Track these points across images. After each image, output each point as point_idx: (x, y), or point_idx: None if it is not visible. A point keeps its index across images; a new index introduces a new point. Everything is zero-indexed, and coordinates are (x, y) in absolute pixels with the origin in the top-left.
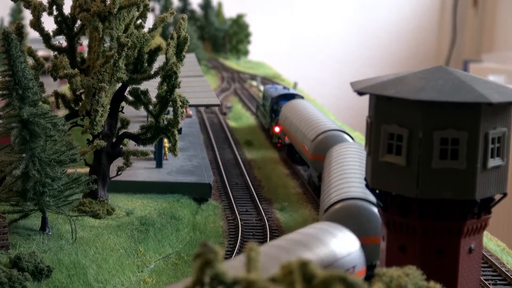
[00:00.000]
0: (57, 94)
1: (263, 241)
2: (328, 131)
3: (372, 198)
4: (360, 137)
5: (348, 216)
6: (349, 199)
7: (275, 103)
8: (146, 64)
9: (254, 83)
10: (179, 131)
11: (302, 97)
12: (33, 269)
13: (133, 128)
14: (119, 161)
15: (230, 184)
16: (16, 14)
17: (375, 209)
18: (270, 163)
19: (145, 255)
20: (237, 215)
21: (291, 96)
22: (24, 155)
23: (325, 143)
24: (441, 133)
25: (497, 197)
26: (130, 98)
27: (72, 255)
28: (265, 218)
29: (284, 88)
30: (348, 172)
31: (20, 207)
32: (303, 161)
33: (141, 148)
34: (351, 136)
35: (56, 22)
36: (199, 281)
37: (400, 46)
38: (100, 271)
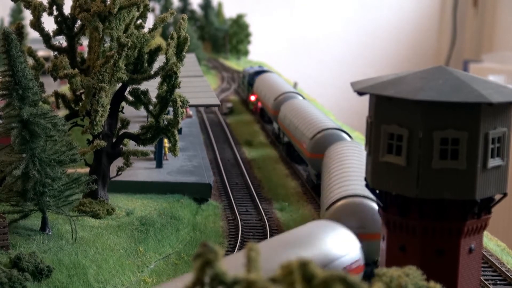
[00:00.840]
0: (57, 94)
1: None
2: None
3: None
4: (360, 137)
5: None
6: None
7: (250, 78)
8: (146, 64)
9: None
10: (179, 131)
11: (269, 71)
12: (33, 269)
13: (133, 128)
14: (119, 161)
15: (230, 184)
16: (16, 14)
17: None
18: (270, 163)
19: (145, 255)
20: (237, 215)
21: (262, 72)
22: (24, 155)
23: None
24: (441, 133)
25: (497, 197)
26: (130, 98)
27: (72, 255)
28: (265, 218)
29: (258, 67)
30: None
31: (20, 207)
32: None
33: (141, 148)
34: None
35: (56, 22)
36: (199, 281)
37: (400, 46)
38: (100, 271)
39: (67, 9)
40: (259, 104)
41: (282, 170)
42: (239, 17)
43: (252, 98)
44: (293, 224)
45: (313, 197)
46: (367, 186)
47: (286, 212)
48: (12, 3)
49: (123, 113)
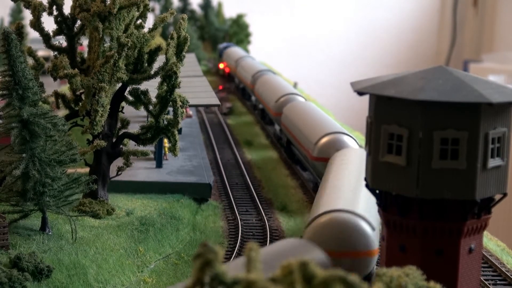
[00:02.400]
0: (57, 94)
1: (263, 241)
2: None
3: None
4: (360, 137)
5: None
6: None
7: (220, 51)
8: (146, 64)
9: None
10: (179, 131)
11: (234, 45)
12: (33, 269)
13: (133, 128)
14: (119, 161)
15: (230, 184)
16: (16, 14)
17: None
18: (270, 163)
19: (145, 255)
20: (237, 215)
21: (229, 46)
22: (24, 155)
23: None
24: (441, 133)
25: (497, 197)
26: (130, 98)
27: (72, 255)
28: (265, 218)
29: (226, 44)
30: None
31: (20, 207)
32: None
33: (141, 148)
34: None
35: (56, 22)
36: (199, 281)
37: (400, 46)
38: (100, 271)
39: (67, 9)
40: (228, 71)
41: (282, 170)
42: (239, 17)
43: (221, 66)
44: (293, 224)
45: (313, 197)
46: (367, 186)
47: (286, 212)
48: (12, 3)
49: (123, 113)
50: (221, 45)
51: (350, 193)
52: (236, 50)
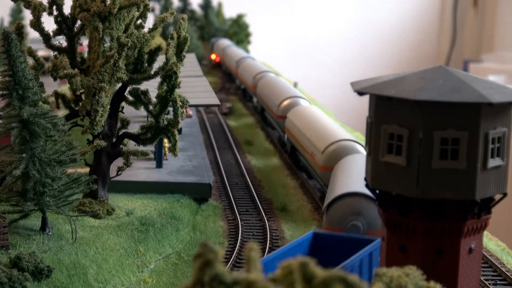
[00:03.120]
0: (57, 94)
1: (263, 241)
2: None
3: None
4: (360, 137)
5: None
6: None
7: (212, 44)
8: (146, 64)
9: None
10: (179, 131)
11: (222, 38)
12: (33, 269)
13: (133, 128)
14: (119, 161)
15: (230, 184)
16: (16, 14)
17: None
18: (270, 163)
19: (145, 255)
20: (237, 215)
21: (219, 39)
22: (24, 155)
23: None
24: (441, 133)
25: (497, 197)
26: (130, 98)
27: (72, 255)
28: (265, 218)
29: (216, 38)
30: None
31: (20, 207)
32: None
33: (141, 148)
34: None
35: (56, 22)
36: (199, 281)
37: (400, 46)
38: (100, 271)
39: (67, 9)
40: (218, 60)
41: (282, 170)
42: (239, 17)
43: (213, 56)
44: (293, 224)
45: (313, 197)
46: (367, 186)
47: (286, 212)
48: (12, 3)
49: (123, 113)
50: (213, 39)
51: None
52: (223, 42)
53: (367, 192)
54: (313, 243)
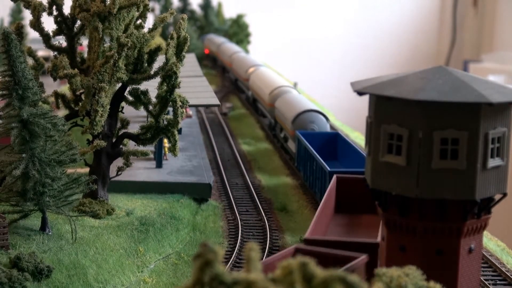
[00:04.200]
0: (57, 94)
1: (263, 241)
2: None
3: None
4: (360, 137)
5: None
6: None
7: (203, 39)
8: (146, 64)
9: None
10: (179, 131)
11: (212, 34)
12: (33, 269)
13: (133, 128)
14: (119, 161)
15: (230, 184)
16: (16, 14)
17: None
18: (270, 163)
19: (145, 255)
20: (237, 215)
21: (208, 35)
22: (24, 155)
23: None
24: (441, 133)
25: (497, 197)
26: (130, 98)
27: (72, 255)
28: (265, 218)
29: (210, 34)
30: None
31: (20, 207)
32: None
33: (141, 148)
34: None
35: (56, 22)
36: (199, 281)
37: (400, 46)
38: (100, 271)
39: (67, 9)
40: (208, 52)
41: (282, 170)
42: (239, 17)
43: (207, 51)
44: (293, 225)
45: (312, 197)
46: (367, 186)
47: (286, 212)
48: (12, 3)
49: (123, 113)
50: (202, 36)
51: None
52: (213, 37)
53: (317, 108)
54: None
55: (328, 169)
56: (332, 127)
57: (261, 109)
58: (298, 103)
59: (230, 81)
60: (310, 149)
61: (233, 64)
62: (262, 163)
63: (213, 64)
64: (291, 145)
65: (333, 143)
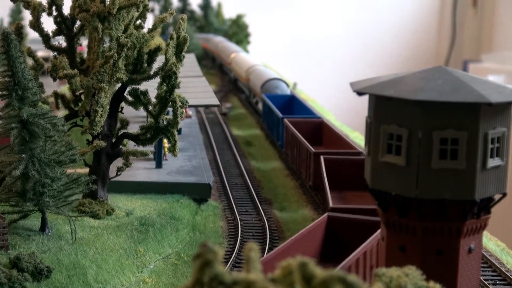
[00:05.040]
0: (56, 95)
1: (263, 241)
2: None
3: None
4: (360, 137)
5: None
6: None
7: (198, 38)
8: (146, 65)
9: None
10: (179, 131)
11: (215, 32)
12: (32, 270)
13: (133, 129)
14: (118, 162)
15: (229, 185)
16: (15, 15)
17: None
18: (270, 163)
19: (144, 255)
20: (237, 215)
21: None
22: (23, 155)
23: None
24: (441, 133)
25: (497, 197)
26: (130, 98)
27: (72, 255)
28: (264, 218)
29: (205, 33)
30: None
31: (19, 208)
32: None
33: (140, 148)
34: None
35: (55, 22)
36: (199, 281)
37: (400, 46)
38: (100, 271)
39: (66, 9)
40: (206, 46)
41: (281, 171)
42: (239, 17)
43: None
44: (292, 225)
45: (312, 197)
46: (366, 186)
47: (286, 212)
48: (12, 3)
49: (123, 113)
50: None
51: None
52: (204, 36)
53: (279, 77)
54: None
55: (281, 115)
56: (291, 92)
57: (240, 85)
58: (265, 74)
59: (217, 66)
60: (272, 106)
61: (219, 52)
62: (263, 163)
63: (203, 54)
64: (260, 106)
65: (290, 102)
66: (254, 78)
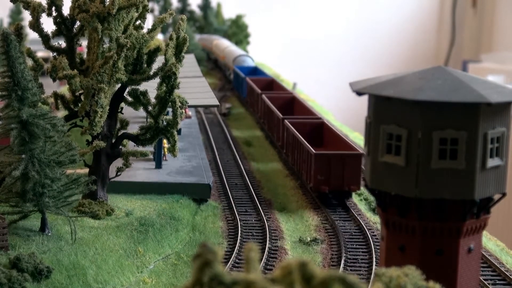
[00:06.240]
0: (56, 95)
1: (262, 241)
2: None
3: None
4: (360, 137)
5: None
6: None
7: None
8: (145, 65)
9: None
10: (179, 131)
11: (214, 32)
12: (32, 270)
13: (133, 129)
14: (118, 162)
15: (229, 185)
16: (15, 15)
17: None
18: (270, 163)
19: (144, 255)
20: (237, 215)
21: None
22: (23, 156)
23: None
24: (440, 133)
25: (496, 197)
26: (129, 98)
27: (72, 255)
28: (264, 218)
29: (202, 34)
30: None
31: (19, 208)
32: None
33: (140, 148)
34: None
35: (55, 23)
36: (199, 281)
37: (400, 46)
38: (100, 271)
39: (66, 10)
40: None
41: (281, 171)
42: (238, 18)
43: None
44: (292, 224)
45: (312, 197)
46: (366, 186)
47: (286, 212)
48: (11, 4)
49: (122, 113)
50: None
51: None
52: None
53: (247, 53)
54: None
55: (243, 75)
56: (256, 65)
57: (219, 64)
58: (236, 52)
59: (204, 49)
60: (239, 72)
61: (204, 41)
62: (262, 163)
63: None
64: (231, 77)
65: (254, 71)
66: (228, 55)
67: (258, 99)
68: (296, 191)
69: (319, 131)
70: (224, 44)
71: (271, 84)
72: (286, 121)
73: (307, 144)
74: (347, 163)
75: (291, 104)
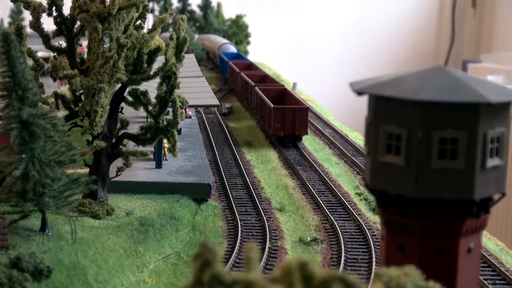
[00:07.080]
0: (56, 95)
1: (262, 241)
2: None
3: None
4: (359, 138)
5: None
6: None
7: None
8: (146, 65)
9: None
10: (179, 131)
11: (214, 32)
12: (33, 270)
13: (133, 129)
14: (118, 162)
15: (229, 185)
16: (15, 15)
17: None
18: (270, 163)
19: (144, 255)
20: (237, 215)
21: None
22: (23, 155)
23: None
24: (440, 133)
25: (496, 196)
26: (130, 98)
27: (72, 255)
28: (264, 218)
29: (201, 33)
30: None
31: (20, 208)
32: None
33: (140, 148)
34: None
35: (55, 23)
36: (199, 281)
37: (399, 46)
38: (100, 271)
39: (66, 10)
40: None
41: (281, 171)
42: (238, 18)
43: None
44: (292, 224)
45: (312, 197)
46: (366, 186)
47: (286, 212)
48: (12, 3)
49: (123, 113)
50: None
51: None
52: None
53: (229, 42)
54: None
55: (227, 59)
56: (238, 51)
57: (210, 55)
58: (221, 40)
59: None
60: (223, 57)
61: (200, 40)
62: (262, 164)
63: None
64: (217, 62)
65: (237, 56)
66: (214, 43)
67: (238, 77)
68: (296, 191)
69: (282, 95)
70: (213, 37)
71: (249, 66)
72: (256, 87)
73: (269, 101)
74: (297, 115)
75: (264, 80)
